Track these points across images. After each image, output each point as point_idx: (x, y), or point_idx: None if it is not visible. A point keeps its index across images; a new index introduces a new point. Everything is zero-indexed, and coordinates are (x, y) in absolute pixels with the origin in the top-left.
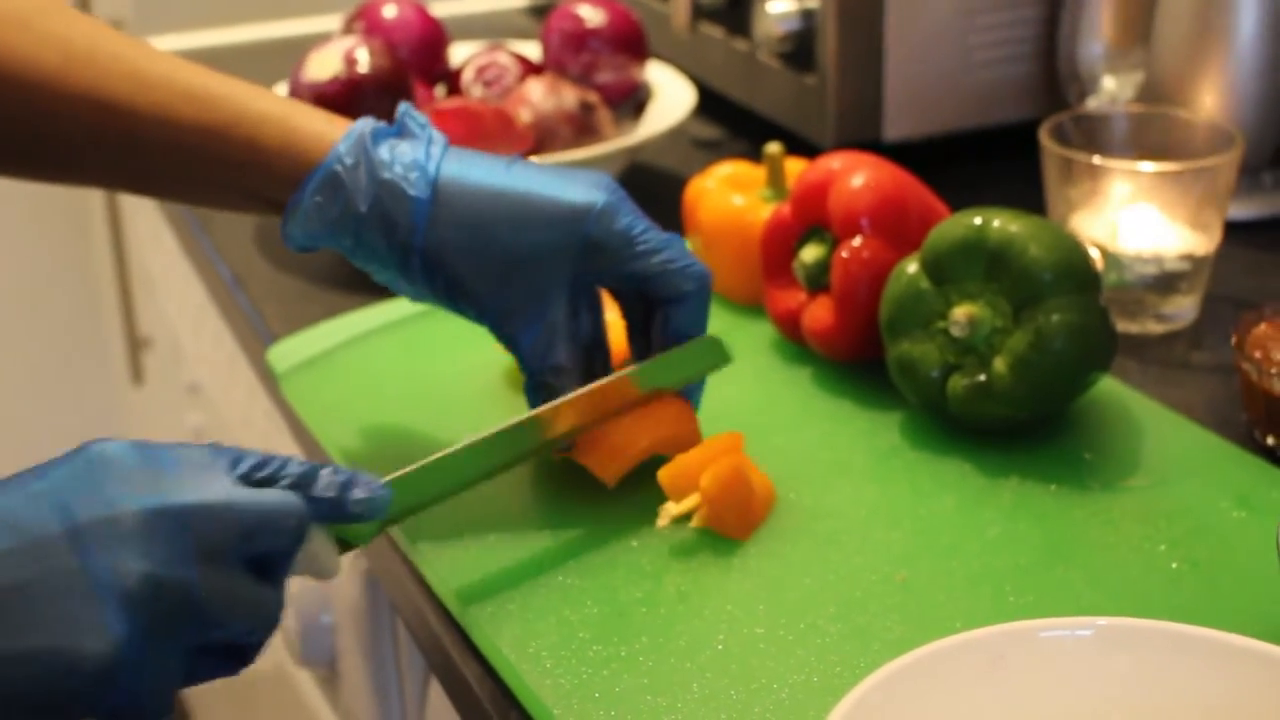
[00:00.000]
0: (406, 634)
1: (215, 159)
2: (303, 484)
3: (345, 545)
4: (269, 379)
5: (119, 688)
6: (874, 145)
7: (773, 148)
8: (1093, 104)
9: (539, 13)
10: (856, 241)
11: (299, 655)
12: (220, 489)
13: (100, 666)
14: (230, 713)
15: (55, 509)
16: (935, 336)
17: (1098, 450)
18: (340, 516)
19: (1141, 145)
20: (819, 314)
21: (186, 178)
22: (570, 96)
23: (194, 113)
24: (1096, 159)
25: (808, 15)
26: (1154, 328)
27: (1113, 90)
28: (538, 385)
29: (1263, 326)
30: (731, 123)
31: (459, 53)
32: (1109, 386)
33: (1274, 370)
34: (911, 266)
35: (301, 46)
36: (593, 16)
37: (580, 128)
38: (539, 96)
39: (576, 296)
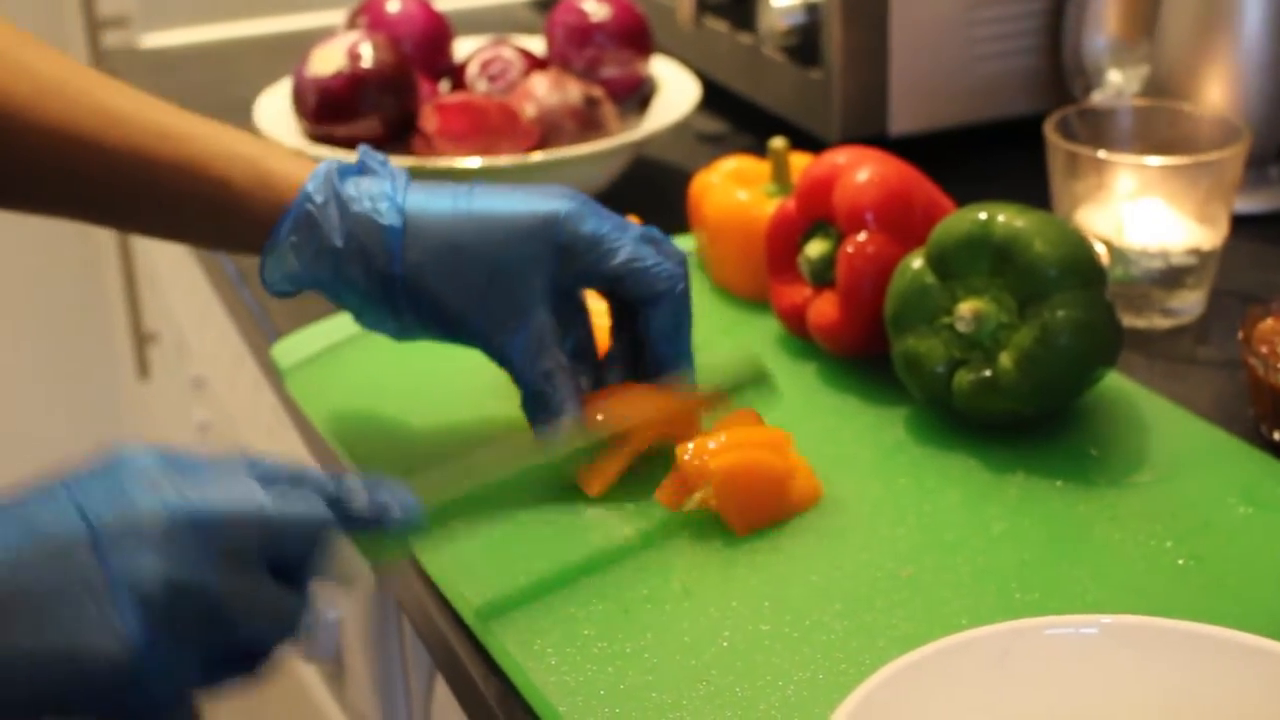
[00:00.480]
0: (412, 631)
1: (187, 196)
2: (330, 492)
3: (375, 561)
4: (274, 374)
5: (136, 689)
6: (879, 140)
7: (777, 142)
8: (1098, 98)
9: (543, 7)
10: (861, 236)
11: (305, 652)
12: (243, 494)
13: (117, 668)
14: (236, 707)
15: (77, 513)
16: (940, 332)
17: (1103, 446)
18: (374, 526)
19: (1147, 139)
20: (824, 309)
21: (159, 216)
22: (575, 91)
23: (166, 150)
24: (1102, 153)
25: (812, 9)
26: (1160, 323)
27: (1118, 84)
28: (533, 395)
29: (1269, 321)
30: (736, 117)
31: (463, 47)
32: (1115, 382)
33: None
34: (916, 262)
35: (305, 41)
36: (597, 11)
37: (585, 122)
38: (543, 91)
39: (558, 304)
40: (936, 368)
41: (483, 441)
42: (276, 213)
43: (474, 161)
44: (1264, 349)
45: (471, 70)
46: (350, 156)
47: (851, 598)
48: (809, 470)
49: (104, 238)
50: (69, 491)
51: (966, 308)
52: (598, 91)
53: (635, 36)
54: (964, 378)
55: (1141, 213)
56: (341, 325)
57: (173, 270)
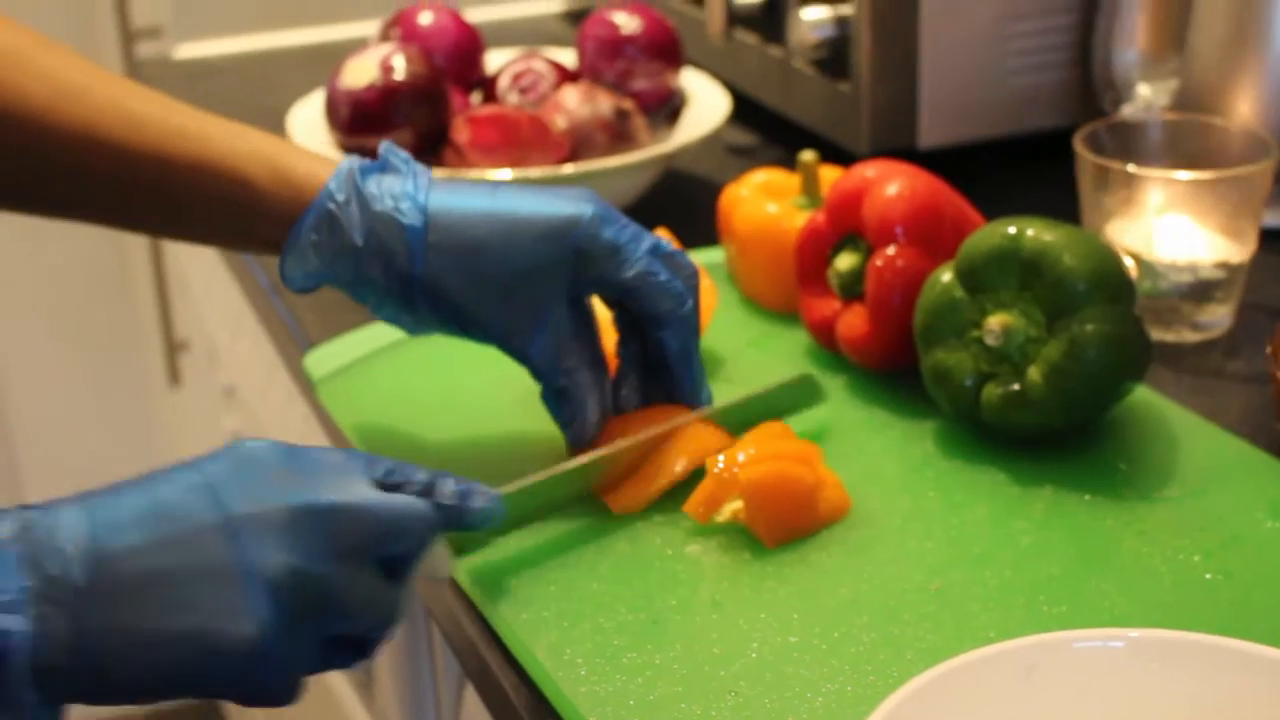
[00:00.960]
0: (442, 640)
1: (207, 197)
2: (428, 491)
3: (460, 551)
4: (305, 384)
5: (259, 670)
6: (908, 153)
7: (807, 155)
8: (1127, 111)
9: (574, 19)
10: (891, 250)
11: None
12: (359, 492)
13: (243, 649)
14: (264, 715)
15: (210, 501)
16: (969, 345)
17: (1132, 460)
18: (459, 524)
19: (1176, 153)
20: (853, 322)
21: (179, 216)
22: (605, 103)
23: (185, 151)
24: (1131, 167)
25: (842, 22)
26: (1189, 336)
27: (1147, 98)
28: (554, 392)
29: None
30: (766, 130)
31: (495, 59)
32: (1143, 396)
33: None
34: (946, 275)
35: (338, 53)
36: (628, 23)
37: (615, 135)
38: (574, 103)
39: (574, 305)
40: (965, 381)
41: (512, 451)
42: (297, 210)
43: (505, 173)
44: None
45: (503, 82)
46: None
47: (879, 610)
48: (838, 483)
49: (135, 245)
50: (197, 476)
51: (995, 321)
52: (628, 104)
53: (666, 49)
54: (992, 391)
55: (1170, 227)
56: (373, 336)
57: (205, 279)
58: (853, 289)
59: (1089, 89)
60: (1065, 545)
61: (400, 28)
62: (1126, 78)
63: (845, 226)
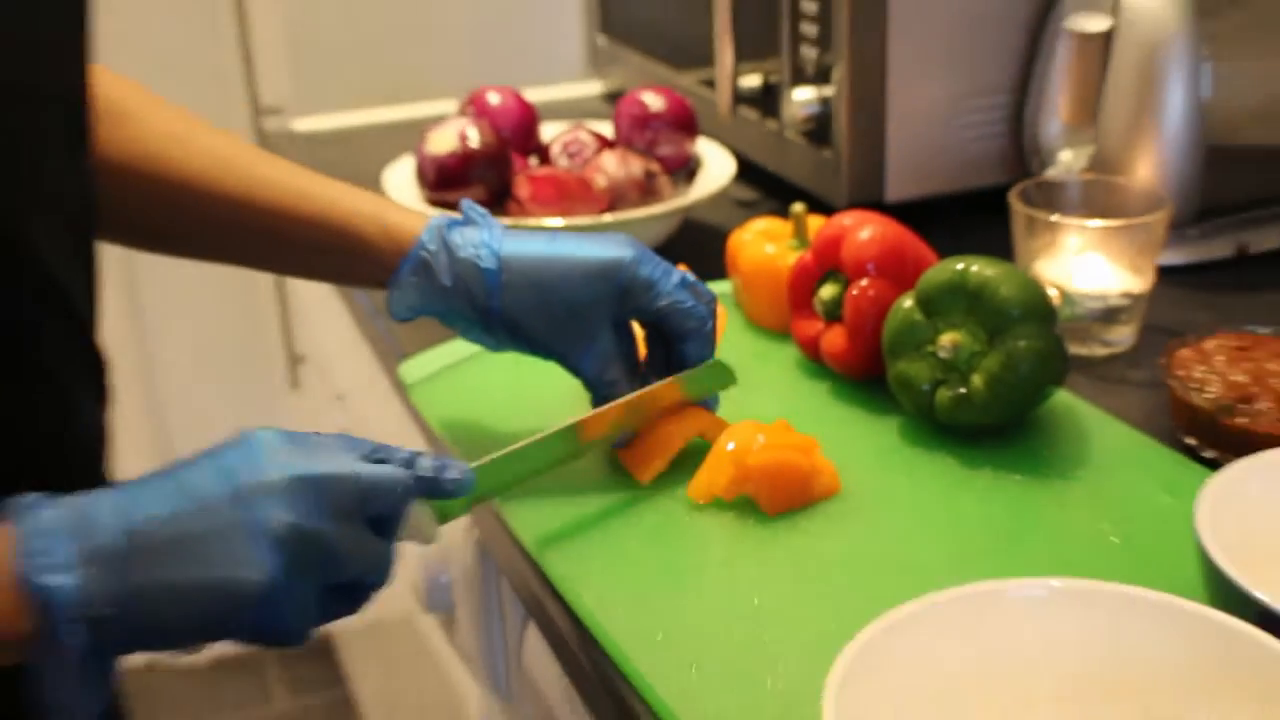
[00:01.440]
0: (509, 589)
1: (325, 246)
2: (408, 464)
3: (443, 518)
4: (400, 389)
5: (270, 613)
6: (878, 205)
7: (797, 207)
8: (1051, 173)
9: (612, 98)
10: (864, 282)
11: (425, 605)
12: (346, 463)
13: (256, 593)
14: (371, 648)
15: (223, 477)
16: (926, 358)
17: (1054, 448)
18: (436, 492)
19: (1090, 206)
20: (834, 340)
21: (301, 260)
22: (637, 166)
23: (308, 209)
24: (1054, 217)
25: (825, 102)
26: (1099, 351)
27: (1067, 162)
28: (600, 398)
29: (1186, 351)
30: (764, 187)
31: (548, 131)
32: (1063, 398)
33: (1194, 386)
34: (907, 302)
35: (424, 126)
36: (654, 102)
37: (645, 191)
38: (612, 166)
39: (617, 329)
40: (923, 386)
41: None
42: (398, 258)
43: (557, 221)
44: (1181, 373)
45: (555, 149)
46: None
47: (857, 566)
48: (832, 468)
49: (263, 278)
50: (212, 460)
51: (947, 339)
52: (655, 166)
53: (685, 123)
54: (944, 394)
55: (1085, 264)
56: (454, 350)
57: (318, 304)
58: (834, 313)
59: (1021, 154)
60: (1002, 515)
61: (473, 105)
62: (1050, 146)
63: (828, 264)
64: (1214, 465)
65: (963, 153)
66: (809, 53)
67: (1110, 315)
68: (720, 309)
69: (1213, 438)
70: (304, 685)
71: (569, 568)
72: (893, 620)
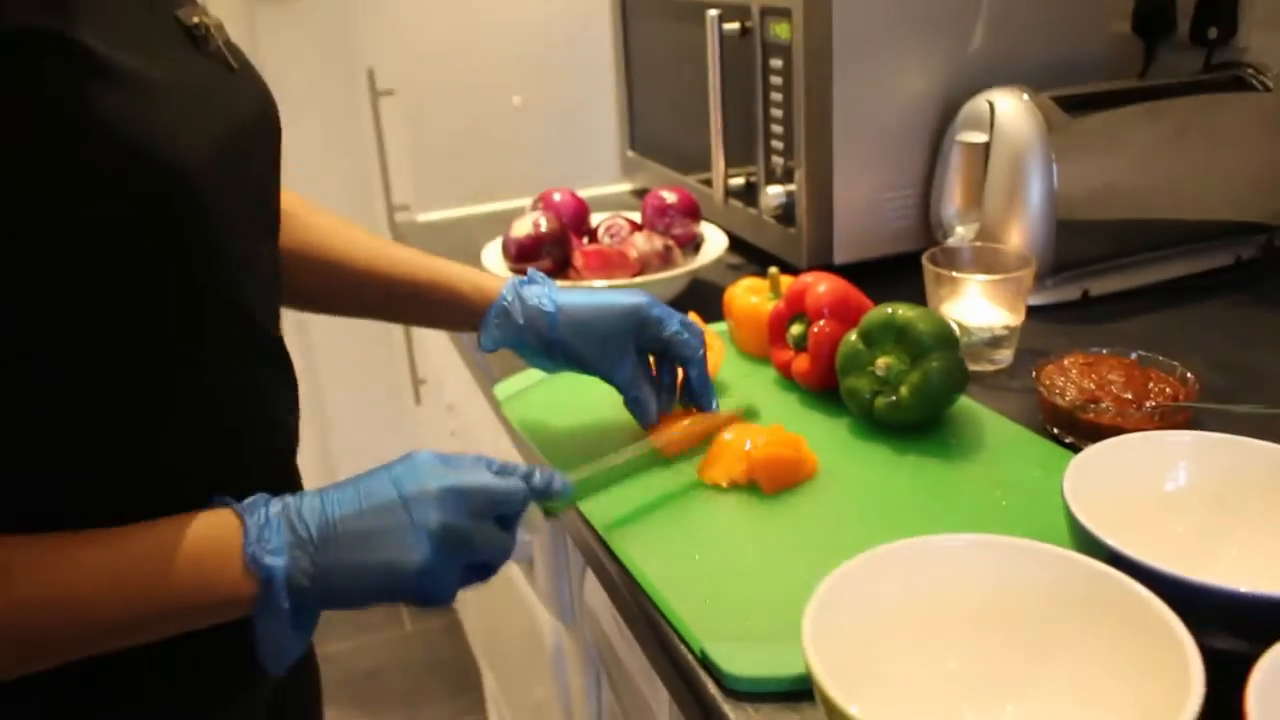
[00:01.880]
0: (573, 545)
1: (437, 302)
2: (526, 478)
3: (547, 514)
4: (494, 403)
5: (424, 584)
6: (829, 266)
7: (773, 270)
8: (951, 241)
9: (639, 194)
10: (822, 322)
11: (513, 557)
12: (483, 477)
13: (414, 571)
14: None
15: (393, 486)
16: (867, 375)
17: (960, 438)
18: (545, 496)
19: (979, 265)
20: (801, 364)
21: (420, 314)
22: (658, 242)
23: (427, 278)
24: (954, 273)
25: (790, 194)
26: (989, 367)
27: (962, 234)
28: (631, 400)
29: (1049, 366)
30: (749, 255)
31: (596, 218)
32: (965, 403)
33: (1056, 391)
34: (853, 336)
35: (508, 216)
36: (669, 197)
37: (664, 260)
38: (641, 243)
39: (639, 353)
40: (865, 396)
41: (615, 444)
42: (486, 307)
43: (602, 283)
44: (1047, 382)
45: (600, 231)
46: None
47: (827, 528)
48: (814, 459)
49: (395, 327)
50: (386, 472)
51: (881, 362)
52: (671, 243)
53: (691, 211)
54: (881, 401)
55: (977, 306)
56: (531, 374)
57: (436, 342)
58: (801, 345)
59: (929, 229)
60: (926, 489)
61: (543, 201)
62: (949, 223)
63: (796, 309)
64: (1074, 449)
65: (888, 228)
66: (778, 160)
67: (996, 342)
68: (718, 344)
69: (1071, 429)
70: (426, 613)
71: (618, 531)
72: (851, 566)
